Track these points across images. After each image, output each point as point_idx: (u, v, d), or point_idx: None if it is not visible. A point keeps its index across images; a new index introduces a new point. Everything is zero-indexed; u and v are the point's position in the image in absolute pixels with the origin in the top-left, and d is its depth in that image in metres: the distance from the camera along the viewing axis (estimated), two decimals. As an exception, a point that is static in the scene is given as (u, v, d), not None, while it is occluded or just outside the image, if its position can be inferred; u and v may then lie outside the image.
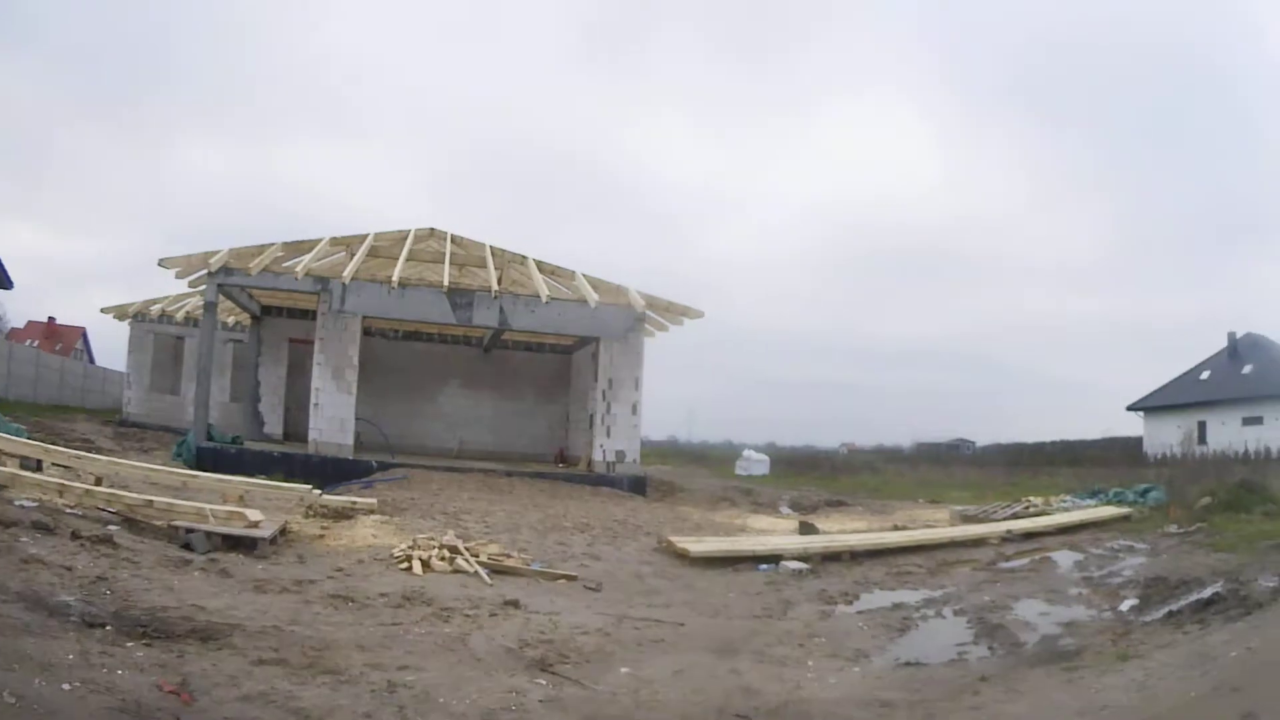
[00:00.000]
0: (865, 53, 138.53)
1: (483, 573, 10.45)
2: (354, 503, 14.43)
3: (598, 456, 23.62)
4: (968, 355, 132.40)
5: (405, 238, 25.63)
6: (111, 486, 12.29)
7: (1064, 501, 22.75)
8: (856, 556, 13.69)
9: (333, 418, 22.82)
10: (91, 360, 36.98)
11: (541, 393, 31.21)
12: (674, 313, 24.59)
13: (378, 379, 29.45)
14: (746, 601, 10.50)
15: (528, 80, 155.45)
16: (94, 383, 45.62)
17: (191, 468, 19.95)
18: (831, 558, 13.41)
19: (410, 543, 11.46)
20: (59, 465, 13.33)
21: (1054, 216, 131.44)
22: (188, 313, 32.45)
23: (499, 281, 24.21)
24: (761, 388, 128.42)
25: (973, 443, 67.38)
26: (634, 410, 23.86)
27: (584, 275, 24.59)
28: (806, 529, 16.95)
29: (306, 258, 23.34)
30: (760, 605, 10.27)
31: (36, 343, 64.98)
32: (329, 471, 21.16)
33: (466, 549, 11.34)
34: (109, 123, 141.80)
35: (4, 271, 38.02)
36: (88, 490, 11.51)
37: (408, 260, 24.71)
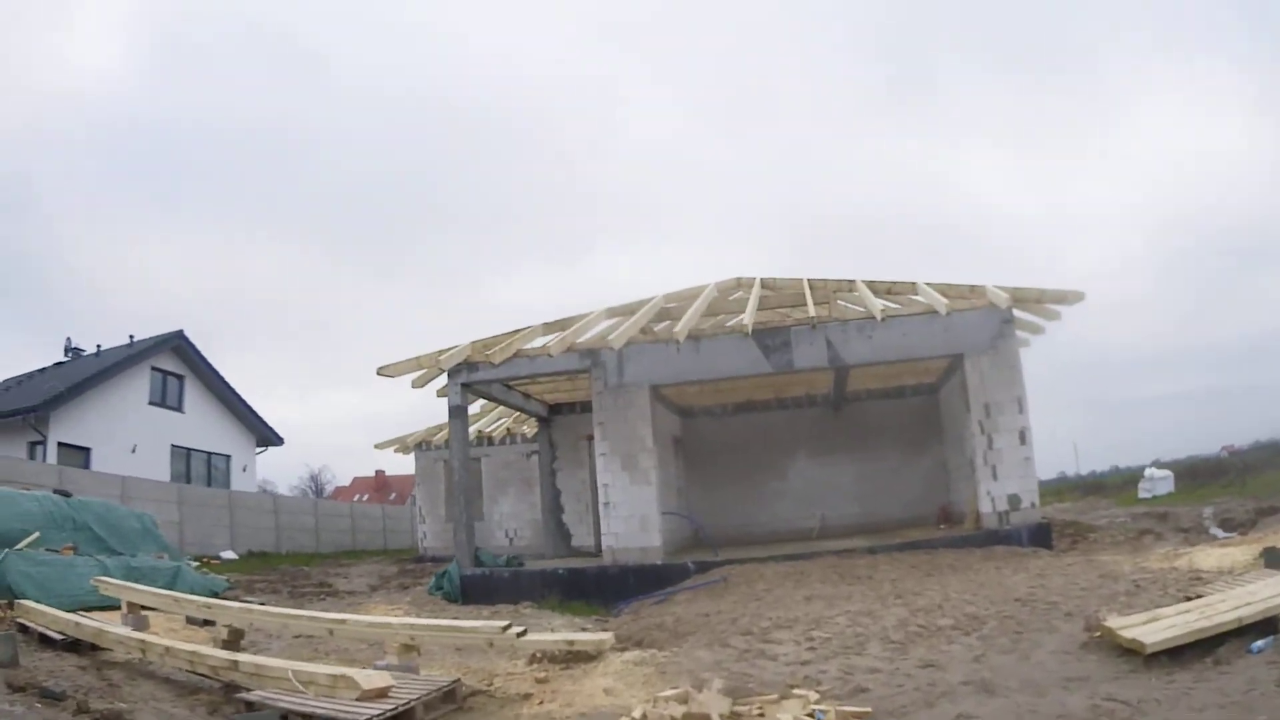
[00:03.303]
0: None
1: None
2: (570, 642, 10.47)
3: (985, 507, 18.67)
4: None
5: (701, 293, 22.08)
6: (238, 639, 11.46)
7: None
8: (1366, 593, 9.11)
9: (629, 516, 19.53)
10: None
11: (910, 445, 26.64)
12: (1047, 303, 19.23)
13: (707, 464, 27.03)
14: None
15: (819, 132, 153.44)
16: (398, 523, 45.11)
17: (454, 601, 18.83)
18: (1337, 602, 8.84)
19: (644, 708, 7.42)
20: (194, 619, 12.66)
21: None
22: (479, 431, 30.33)
23: (824, 311, 20.33)
24: (1119, 408, 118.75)
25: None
26: (1022, 439, 18.74)
27: (926, 284, 20.09)
28: (1275, 558, 12.10)
29: (568, 332, 20.37)
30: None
31: (366, 497, 66.38)
32: (629, 583, 18.48)
33: (743, 713, 7.19)
34: (396, 276, 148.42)
35: (271, 430, 41.33)
36: (167, 649, 9.82)
37: (706, 315, 21.27)
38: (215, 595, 16.90)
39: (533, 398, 25.64)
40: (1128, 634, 8.52)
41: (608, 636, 10.88)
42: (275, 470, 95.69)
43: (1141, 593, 11.53)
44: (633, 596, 17.53)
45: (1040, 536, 18.20)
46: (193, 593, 15.83)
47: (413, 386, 21.66)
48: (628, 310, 21.84)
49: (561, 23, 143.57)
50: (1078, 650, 8.94)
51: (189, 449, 37.07)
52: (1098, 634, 9.11)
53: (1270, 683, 6.86)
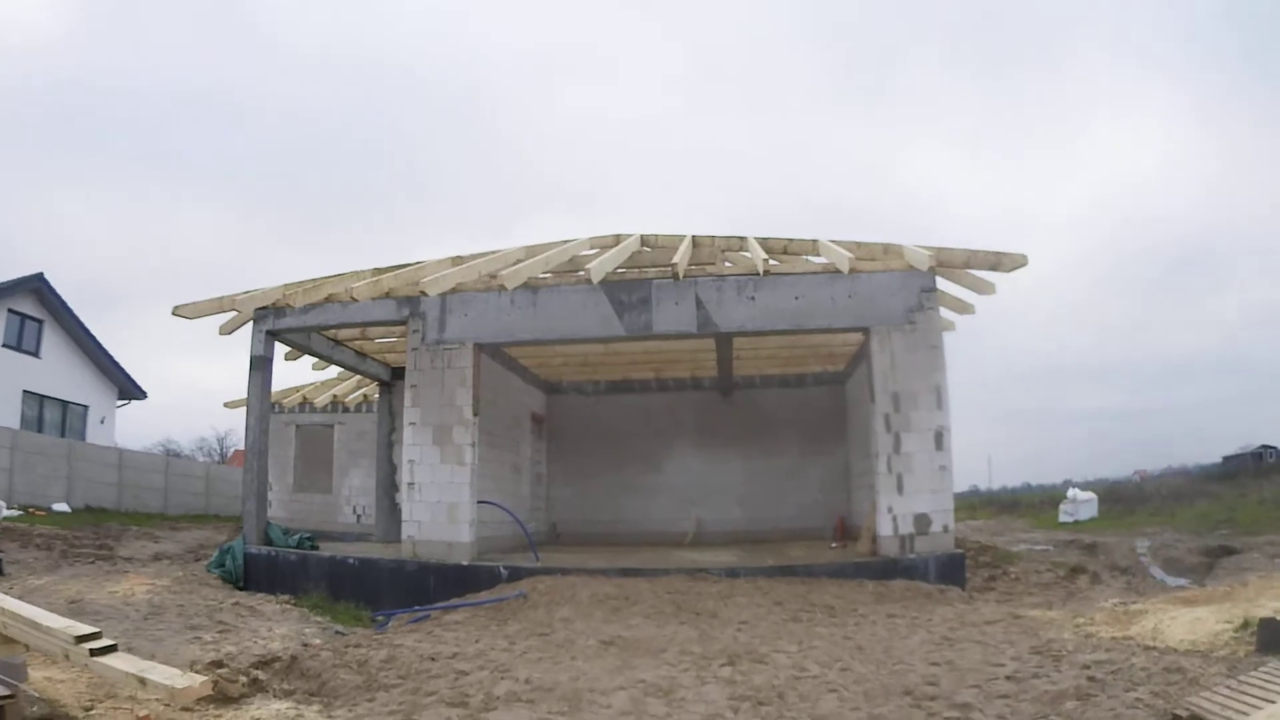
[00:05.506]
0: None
1: None
2: (142, 681, 5.82)
3: (884, 528, 13.58)
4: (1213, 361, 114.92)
5: (566, 246, 16.83)
6: None
7: None
8: None
9: (437, 503, 14.77)
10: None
11: (809, 443, 21.76)
12: (978, 268, 14.26)
13: (575, 450, 22.40)
14: None
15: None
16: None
17: (233, 582, 15.10)
18: None
19: None
20: None
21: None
22: (335, 397, 25.98)
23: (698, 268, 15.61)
24: (1035, 421, 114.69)
25: (1275, 448, 54.78)
26: (939, 442, 13.75)
27: (831, 241, 14.94)
28: (1273, 632, 7.73)
29: (386, 276, 15.56)
30: None
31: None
32: (428, 584, 14.06)
33: None
34: (323, 245, 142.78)
35: (134, 383, 37.37)
36: None
37: (567, 270, 16.16)
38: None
39: (370, 357, 20.59)
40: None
41: (189, 685, 5.94)
42: (180, 431, 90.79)
43: (1100, 694, 6.74)
44: (432, 600, 13.23)
45: (951, 571, 13.23)
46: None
47: (220, 333, 17.16)
48: (471, 260, 16.64)
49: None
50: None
51: (43, 396, 32.65)
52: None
53: None
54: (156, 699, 6.06)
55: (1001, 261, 13.74)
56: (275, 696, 6.94)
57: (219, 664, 7.05)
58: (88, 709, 6.33)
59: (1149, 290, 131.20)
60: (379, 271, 16.70)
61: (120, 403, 37.19)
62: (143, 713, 6.35)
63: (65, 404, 33.84)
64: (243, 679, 6.95)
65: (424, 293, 14.32)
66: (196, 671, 6.65)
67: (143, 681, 5.96)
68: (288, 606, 12.92)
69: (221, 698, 6.58)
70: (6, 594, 10.67)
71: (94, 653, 6.03)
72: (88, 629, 6.30)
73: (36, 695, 6.13)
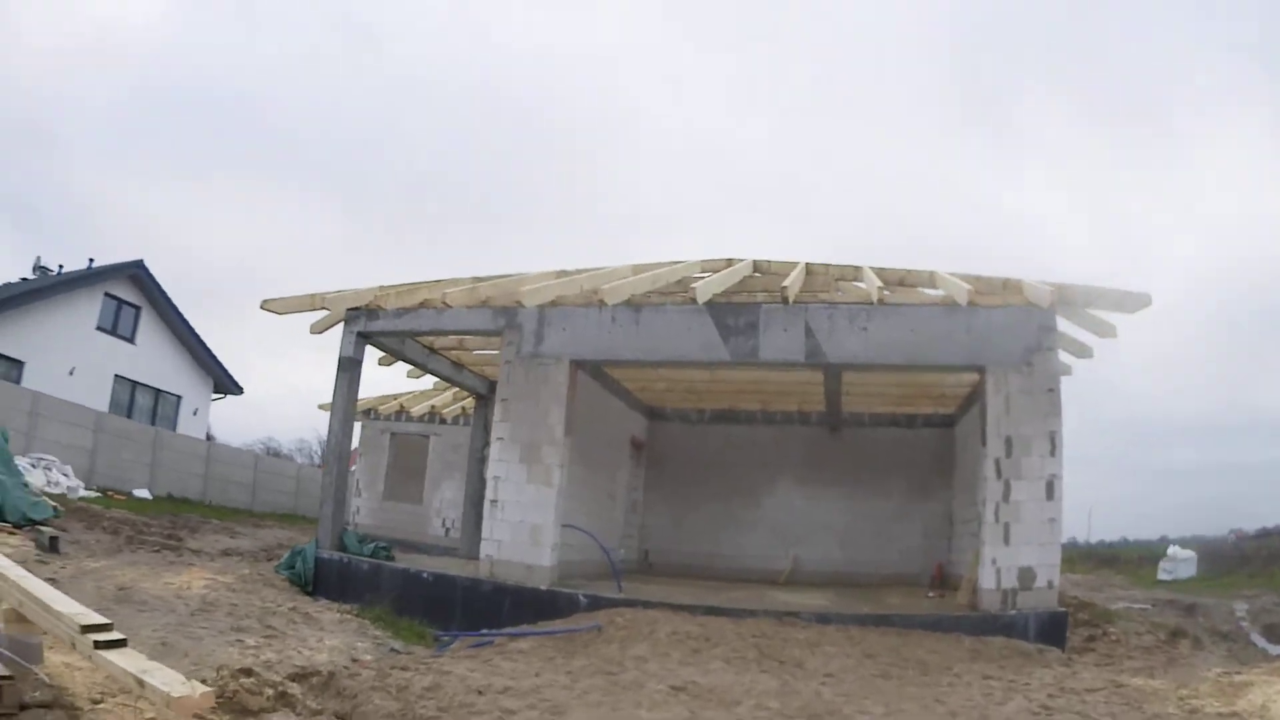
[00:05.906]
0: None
1: None
2: (141, 682, 5.53)
3: (986, 580, 12.81)
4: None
5: (675, 267, 16.37)
6: None
7: None
8: None
9: (519, 523, 14.40)
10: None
11: (915, 486, 21.04)
12: (1100, 308, 13.47)
13: (674, 478, 22.09)
14: None
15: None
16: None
17: (301, 586, 14.99)
18: None
19: None
20: None
21: None
22: (433, 407, 26.12)
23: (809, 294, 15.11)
24: (1122, 474, 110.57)
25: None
26: (1049, 492, 12.93)
27: (949, 274, 14.33)
28: None
29: (483, 284, 15.48)
30: None
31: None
32: (503, 606, 13.68)
33: None
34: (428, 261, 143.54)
35: (230, 377, 38.67)
36: None
37: (674, 290, 15.71)
38: (30, 520, 15.05)
39: (467, 369, 20.56)
40: None
41: (186, 695, 5.51)
42: (283, 431, 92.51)
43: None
44: (502, 624, 12.91)
45: (1052, 630, 12.40)
46: (1, 510, 14.95)
47: (311, 332, 17.15)
48: (576, 275, 16.39)
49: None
50: None
51: (135, 382, 33.75)
52: None
53: None
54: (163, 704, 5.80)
55: (1125, 301, 12.89)
56: (299, 715, 6.68)
57: (248, 672, 6.80)
58: (96, 702, 6.16)
59: (1238, 342, 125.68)
60: (477, 279, 16.51)
61: (215, 396, 38.22)
62: (150, 714, 6.11)
63: (158, 392, 34.94)
64: (269, 691, 6.64)
65: (521, 303, 14.19)
66: (223, 678, 6.47)
67: (141, 683, 5.72)
68: (348, 617, 12.85)
69: (240, 709, 6.34)
70: (58, 574, 10.84)
71: (99, 645, 5.90)
72: (98, 619, 6.14)
73: (46, 680, 5.98)
